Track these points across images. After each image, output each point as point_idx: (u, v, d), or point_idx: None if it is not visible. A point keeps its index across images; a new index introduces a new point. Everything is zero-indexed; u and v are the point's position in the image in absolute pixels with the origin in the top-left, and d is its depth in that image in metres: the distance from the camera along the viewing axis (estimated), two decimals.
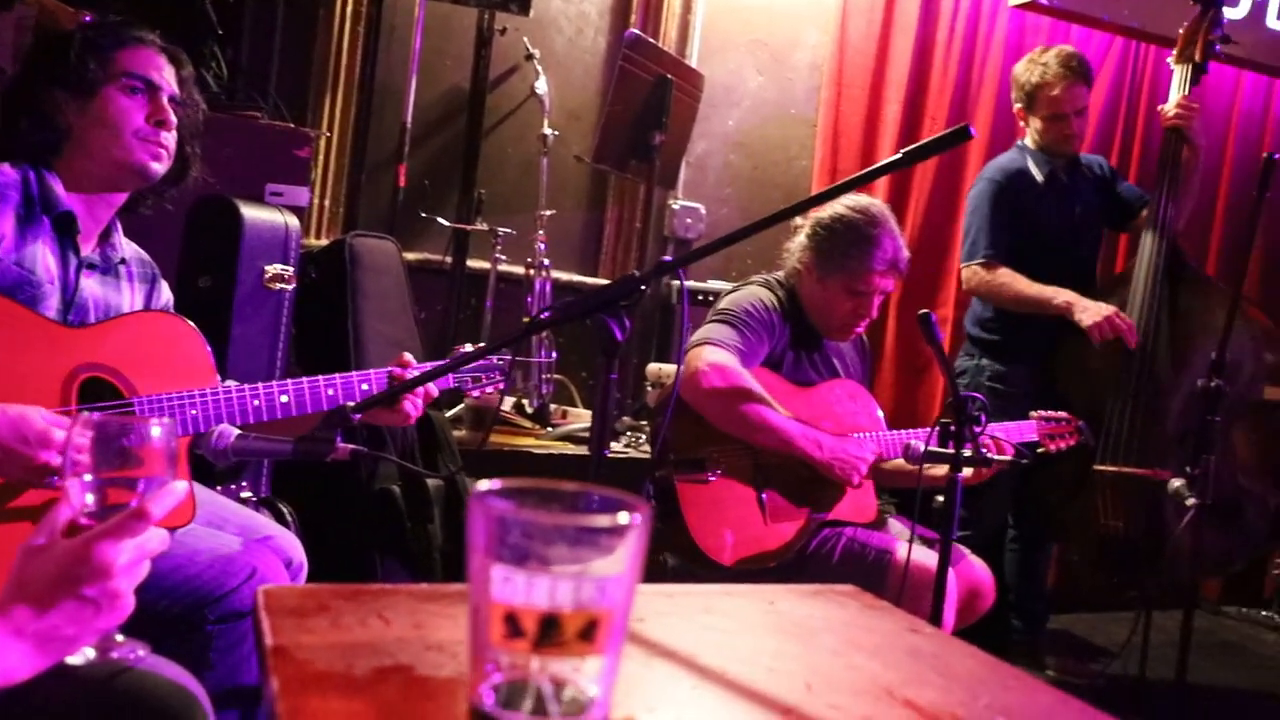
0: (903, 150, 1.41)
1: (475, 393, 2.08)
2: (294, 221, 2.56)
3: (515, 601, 0.55)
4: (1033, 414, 2.71)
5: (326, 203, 3.54)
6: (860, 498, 2.50)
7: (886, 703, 0.82)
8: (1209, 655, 4.10)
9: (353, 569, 2.57)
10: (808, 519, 2.42)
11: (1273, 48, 4.21)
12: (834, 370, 2.60)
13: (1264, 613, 4.69)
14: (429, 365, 1.82)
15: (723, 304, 2.47)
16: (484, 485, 0.58)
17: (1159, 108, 3.47)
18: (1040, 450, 2.70)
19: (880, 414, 2.59)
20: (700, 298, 3.90)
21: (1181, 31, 3.44)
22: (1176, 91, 3.39)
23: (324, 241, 3.33)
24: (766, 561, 2.34)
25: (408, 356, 1.86)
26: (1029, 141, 3.48)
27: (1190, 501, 2.71)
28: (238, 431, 1.62)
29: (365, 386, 1.81)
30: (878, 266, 2.45)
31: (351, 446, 1.58)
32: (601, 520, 0.57)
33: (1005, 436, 2.55)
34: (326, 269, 2.81)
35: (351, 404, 1.56)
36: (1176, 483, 2.96)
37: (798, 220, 2.62)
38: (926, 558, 2.27)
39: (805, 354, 2.55)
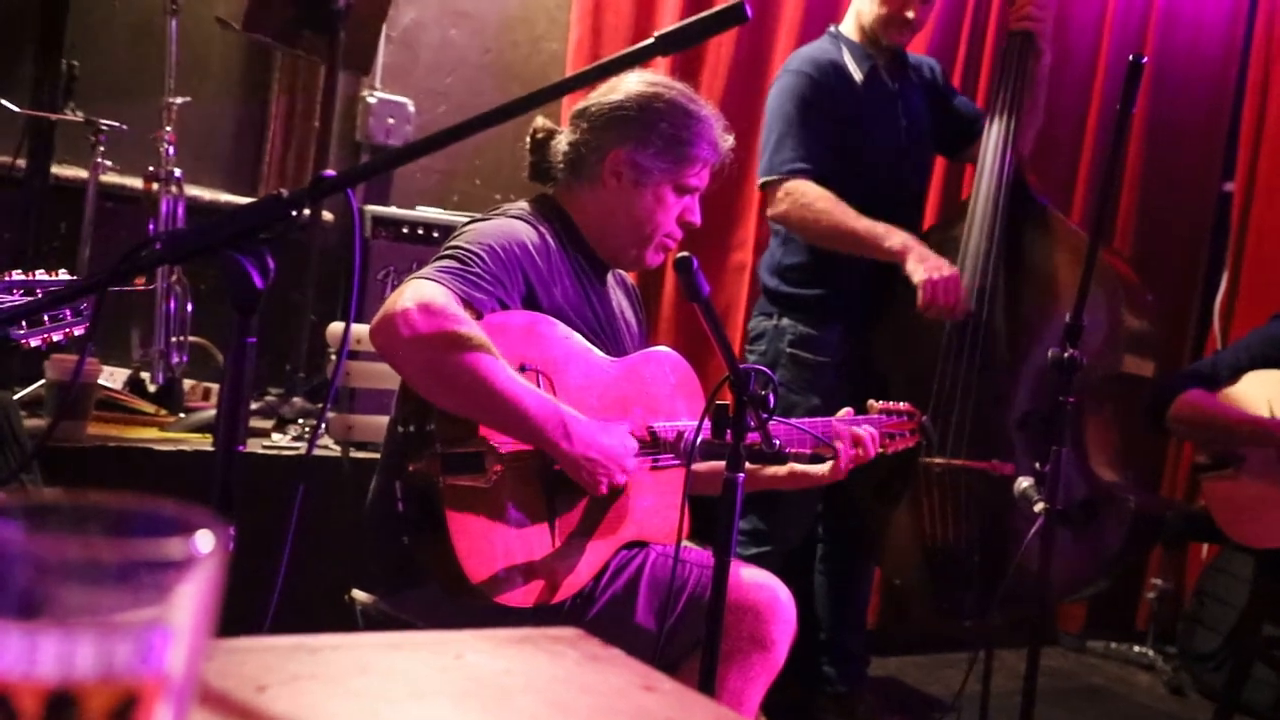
0: (657, 33, 1.45)
1: (34, 340, 1.97)
2: None
3: (8, 672, 0.52)
4: (872, 404, 2.81)
5: None
6: (667, 511, 2.55)
7: None
8: (1067, 703, 4.48)
9: None
10: (612, 540, 2.46)
11: None
12: (616, 322, 2.62)
13: (1136, 648, 5.03)
14: None
15: (455, 238, 2.43)
16: None
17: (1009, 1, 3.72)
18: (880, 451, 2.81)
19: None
20: (407, 230, 3.86)
21: None
22: None
23: None
24: (550, 597, 2.34)
25: None
26: (846, 28, 3.63)
27: (1039, 506, 2.93)
28: None
29: None
30: (706, 154, 2.53)
31: None
32: (151, 549, 0.55)
33: (818, 434, 2.63)
34: None
35: None
36: (1025, 483, 3.19)
37: (540, 121, 2.61)
38: (757, 575, 2.48)
39: (592, 297, 2.57)
